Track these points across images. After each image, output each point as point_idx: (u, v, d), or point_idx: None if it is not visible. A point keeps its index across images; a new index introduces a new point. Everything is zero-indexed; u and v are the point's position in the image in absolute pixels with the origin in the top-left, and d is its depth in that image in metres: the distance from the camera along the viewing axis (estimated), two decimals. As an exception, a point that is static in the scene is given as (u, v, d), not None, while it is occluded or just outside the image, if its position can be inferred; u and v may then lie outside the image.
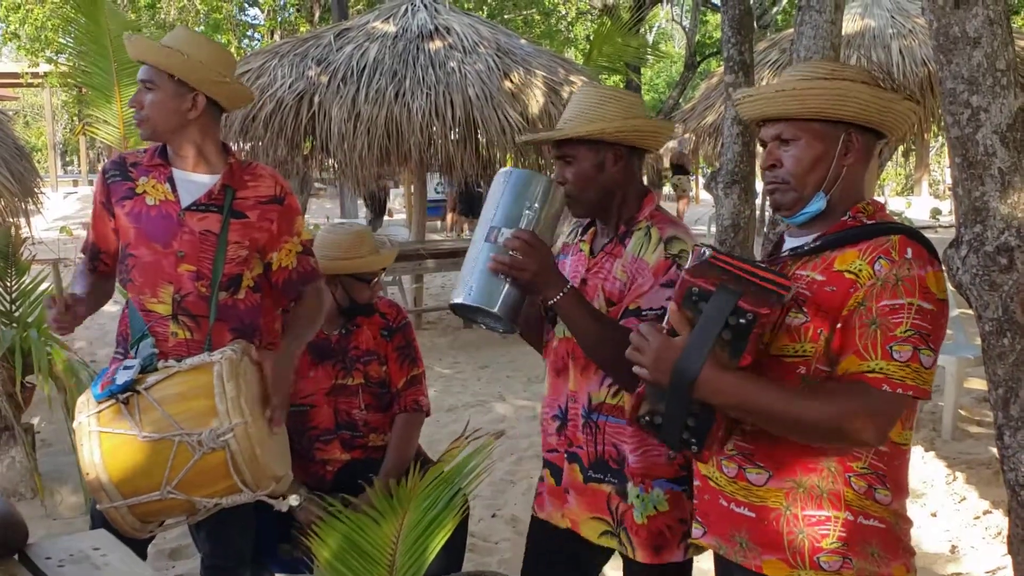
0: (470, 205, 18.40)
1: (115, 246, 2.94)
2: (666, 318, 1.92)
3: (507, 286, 2.25)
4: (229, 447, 2.47)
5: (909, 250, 1.89)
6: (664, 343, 1.86)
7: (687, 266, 1.90)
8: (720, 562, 2.17)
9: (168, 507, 2.54)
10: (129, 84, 6.97)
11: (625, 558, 2.56)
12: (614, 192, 2.53)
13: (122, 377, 2.51)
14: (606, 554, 2.68)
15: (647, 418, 1.93)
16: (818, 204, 2.00)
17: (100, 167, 2.91)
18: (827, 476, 1.94)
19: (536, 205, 2.30)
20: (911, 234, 1.93)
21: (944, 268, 2.59)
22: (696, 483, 2.19)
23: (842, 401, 1.82)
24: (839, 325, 1.89)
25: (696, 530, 2.17)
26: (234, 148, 10.09)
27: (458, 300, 2.28)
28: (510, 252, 2.23)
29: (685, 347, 1.83)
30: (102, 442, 2.46)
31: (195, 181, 2.85)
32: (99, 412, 2.49)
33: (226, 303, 2.85)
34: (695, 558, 2.55)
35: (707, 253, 1.89)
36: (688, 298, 1.85)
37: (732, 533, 2.06)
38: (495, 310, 2.25)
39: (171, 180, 2.84)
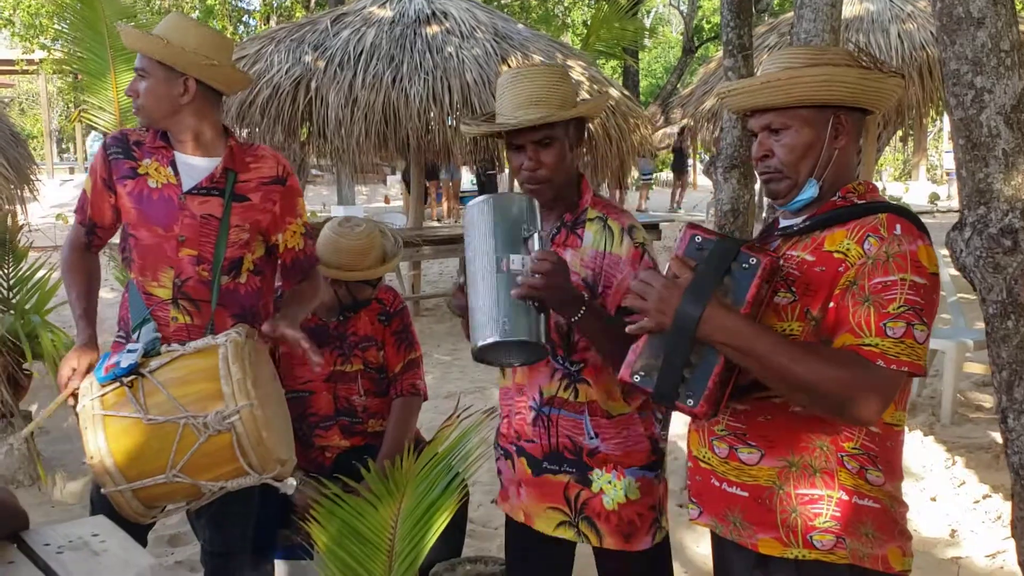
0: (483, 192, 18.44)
1: (111, 221, 2.92)
2: (667, 268, 1.91)
3: (535, 312, 2.15)
4: (235, 430, 2.46)
5: (898, 226, 1.88)
6: (667, 284, 1.84)
7: (687, 224, 1.94)
8: (717, 541, 2.17)
9: (173, 491, 2.53)
10: (125, 71, 6.95)
11: (594, 547, 2.54)
12: (570, 175, 2.49)
13: (126, 360, 2.49)
14: (571, 546, 2.66)
15: (641, 373, 1.89)
16: (810, 191, 1.99)
17: (102, 142, 2.87)
18: (819, 455, 1.93)
19: (531, 224, 2.21)
20: (898, 211, 1.92)
21: (947, 251, 2.58)
22: (688, 464, 2.18)
23: (846, 370, 1.79)
24: (831, 304, 1.88)
25: (692, 511, 2.16)
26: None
27: (493, 339, 2.13)
28: (536, 276, 2.13)
29: (689, 286, 1.82)
30: (106, 426, 2.45)
31: (196, 165, 2.84)
32: (102, 396, 2.47)
33: (228, 288, 2.84)
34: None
35: (697, 237, 1.91)
36: (691, 245, 1.89)
37: (726, 512, 2.05)
38: (537, 340, 2.15)
39: (173, 163, 2.83)
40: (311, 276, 3.06)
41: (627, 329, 1.91)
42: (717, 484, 2.06)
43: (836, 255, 1.89)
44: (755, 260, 1.82)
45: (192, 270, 2.79)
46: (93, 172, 2.90)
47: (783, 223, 2.09)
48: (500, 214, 2.21)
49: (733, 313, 1.81)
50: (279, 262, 2.99)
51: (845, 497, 1.92)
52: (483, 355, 2.20)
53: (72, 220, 3.08)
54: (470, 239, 2.24)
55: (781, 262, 1.91)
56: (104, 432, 2.43)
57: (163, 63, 2.75)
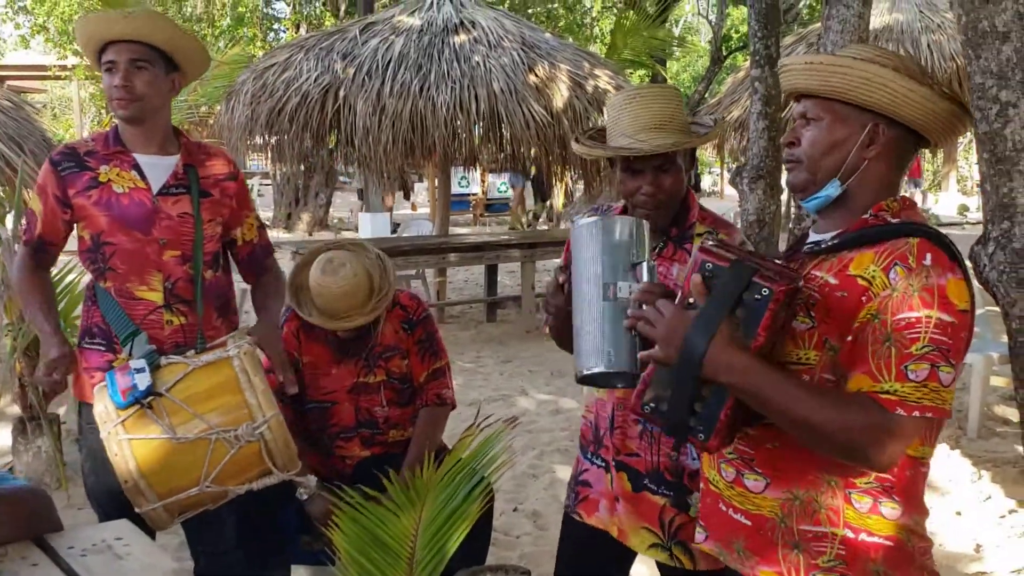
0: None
1: (63, 238, 2.92)
2: (681, 291, 1.83)
3: (639, 341, 2.04)
4: (263, 438, 2.54)
5: (928, 255, 1.73)
6: (677, 314, 1.76)
7: (699, 247, 1.82)
8: (725, 569, 2.07)
9: (203, 499, 2.58)
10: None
11: (676, 570, 2.54)
12: (682, 197, 2.51)
13: (143, 382, 2.51)
14: (633, 557, 2.67)
15: (652, 404, 1.83)
16: (831, 190, 1.87)
17: (48, 159, 2.83)
18: (826, 491, 1.82)
19: (640, 250, 2.11)
20: (932, 237, 1.77)
21: (971, 265, 2.55)
22: (701, 485, 2.10)
23: (856, 412, 1.68)
24: (850, 338, 1.76)
25: (699, 534, 2.08)
26: (260, 142, 10.05)
27: (599, 369, 2.06)
28: (643, 307, 2.00)
29: (696, 318, 1.73)
30: (134, 449, 2.48)
31: (159, 164, 2.85)
32: (123, 421, 2.50)
33: (211, 283, 2.91)
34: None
35: (708, 264, 1.80)
36: (703, 272, 1.78)
37: (731, 539, 1.96)
38: (640, 371, 2.06)
39: (136, 167, 2.83)
40: (270, 267, 3.15)
41: (639, 355, 1.85)
42: (724, 509, 1.97)
43: (860, 281, 1.76)
44: (767, 291, 1.70)
45: (180, 270, 2.83)
46: (43, 191, 2.86)
47: (812, 238, 1.97)
48: (608, 237, 2.11)
49: (741, 350, 1.71)
50: (236, 257, 3.07)
51: (851, 535, 1.81)
52: (587, 380, 2.14)
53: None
54: (577, 260, 2.16)
55: (800, 284, 1.77)
56: (134, 456, 2.47)
57: (164, 55, 2.78)
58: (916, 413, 1.68)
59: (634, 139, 2.39)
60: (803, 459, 1.83)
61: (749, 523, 1.91)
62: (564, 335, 2.44)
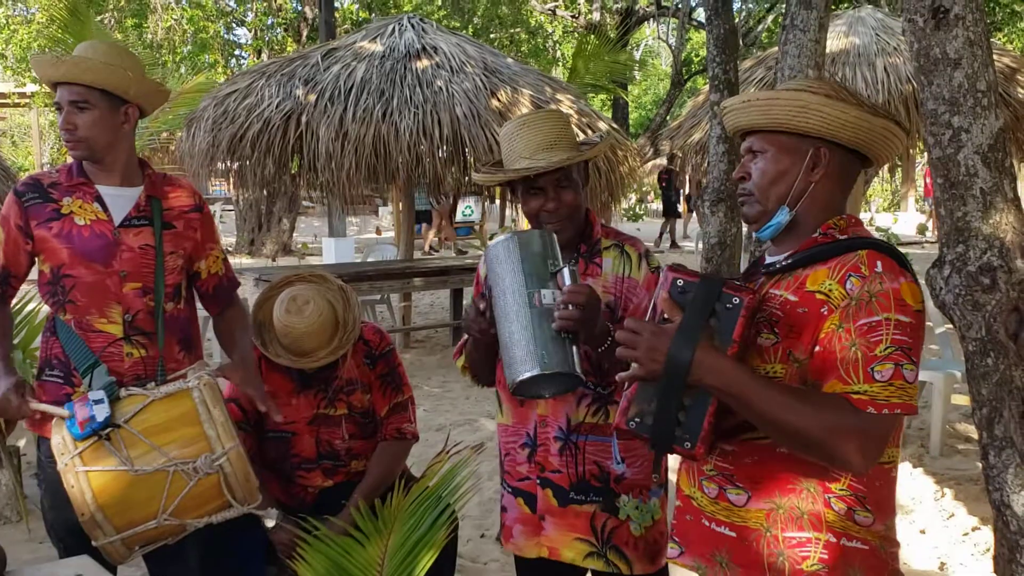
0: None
1: (25, 269, 2.90)
2: (651, 309, 1.93)
3: (569, 344, 2.17)
4: (223, 470, 2.51)
5: (879, 263, 1.85)
6: (655, 331, 1.83)
7: (667, 267, 1.94)
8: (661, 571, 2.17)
9: (161, 533, 2.55)
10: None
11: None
12: (583, 211, 2.61)
13: (101, 414, 2.48)
14: (582, 573, 2.70)
15: (636, 420, 1.89)
16: (781, 217, 1.98)
17: (12, 189, 2.81)
18: (806, 497, 1.91)
19: (557, 259, 2.26)
20: (878, 247, 1.90)
21: (927, 288, 2.60)
22: (677, 503, 2.16)
23: (835, 416, 1.78)
24: (818, 348, 1.86)
25: (672, 550, 2.14)
26: (222, 167, 9.99)
27: (534, 372, 2.13)
28: (572, 308, 2.15)
29: (677, 331, 1.82)
30: (92, 481, 2.45)
31: (122, 195, 2.85)
32: (81, 453, 2.47)
33: (172, 315, 2.88)
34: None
35: (679, 281, 1.91)
36: (674, 289, 1.89)
37: (713, 553, 2.03)
38: (573, 371, 2.16)
39: (99, 199, 2.82)
40: (235, 301, 3.14)
41: (617, 377, 1.91)
42: (707, 524, 2.04)
43: (818, 296, 1.87)
44: (738, 300, 1.83)
45: (140, 303, 2.81)
46: (5, 221, 2.84)
47: (768, 260, 2.07)
48: (525, 250, 2.25)
49: (722, 356, 1.81)
50: (201, 290, 3.05)
51: (833, 539, 1.90)
52: (521, 389, 2.21)
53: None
54: (498, 276, 2.27)
55: (760, 296, 1.90)
56: (91, 488, 2.44)
57: (107, 92, 2.76)
58: (886, 411, 1.79)
59: (532, 159, 2.50)
60: (781, 470, 1.93)
61: (734, 535, 1.99)
62: (482, 368, 2.63)
